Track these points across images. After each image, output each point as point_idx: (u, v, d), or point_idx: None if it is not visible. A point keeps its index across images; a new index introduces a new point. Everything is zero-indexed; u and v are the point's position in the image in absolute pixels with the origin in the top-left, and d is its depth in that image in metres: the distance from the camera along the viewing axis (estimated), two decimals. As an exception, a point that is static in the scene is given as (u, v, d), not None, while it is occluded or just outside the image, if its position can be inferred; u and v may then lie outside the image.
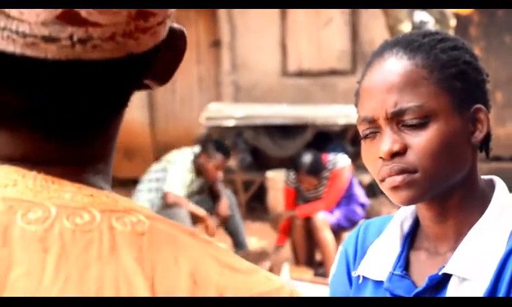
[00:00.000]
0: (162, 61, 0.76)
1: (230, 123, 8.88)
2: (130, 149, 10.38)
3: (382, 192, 1.33)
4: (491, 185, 1.37)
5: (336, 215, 6.39)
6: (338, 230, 6.39)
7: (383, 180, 1.30)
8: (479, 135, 1.33)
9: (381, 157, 1.29)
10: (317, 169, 6.38)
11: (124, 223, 0.69)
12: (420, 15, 6.85)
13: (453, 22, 7.10)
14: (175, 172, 6.39)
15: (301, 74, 10.60)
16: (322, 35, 10.50)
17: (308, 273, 6.18)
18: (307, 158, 6.39)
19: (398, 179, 1.28)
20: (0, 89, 0.70)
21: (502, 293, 1.25)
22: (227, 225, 6.77)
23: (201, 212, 6.38)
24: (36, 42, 0.68)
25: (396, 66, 1.30)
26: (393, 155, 1.28)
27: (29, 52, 0.69)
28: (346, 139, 8.52)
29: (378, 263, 1.40)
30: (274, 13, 10.47)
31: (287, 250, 6.74)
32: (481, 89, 1.34)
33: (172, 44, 0.77)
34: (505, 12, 9.41)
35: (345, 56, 10.44)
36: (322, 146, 7.63)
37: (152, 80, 0.77)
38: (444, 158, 1.28)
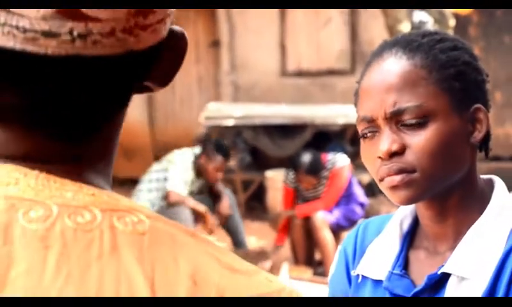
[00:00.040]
0: (162, 62, 0.76)
1: (229, 122, 8.88)
2: (130, 149, 10.37)
3: (381, 192, 1.33)
4: (490, 185, 1.37)
5: (336, 215, 6.39)
6: (337, 229, 6.39)
7: (381, 180, 1.30)
8: (478, 135, 1.33)
9: (379, 157, 1.29)
10: (316, 168, 6.38)
11: (125, 223, 0.69)
12: (419, 15, 6.85)
13: (452, 22, 7.10)
14: (176, 171, 6.39)
15: (300, 74, 10.60)
16: (321, 35, 10.49)
17: (308, 272, 6.18)
18: (306, 157, 6.40)
19: (397, 179, 1.28)
20: (0, 87, 0.71)
21: (500, 292, 1.25)
22: (227, 224, 6.77)
23: (201, 208, 6.38)
24: (37, 37, 0.68)
25: (395, 66, 1.30)
26: (392, 155, 1.28)
27: (30, 48, 0.69)
28: (345, 138, 8.53)
29: (377, 263, 1.40)
30: (273, 13, 10.47)
31: (286, 249, 6.74)
32: (481, 89, 1.34)
33: (173, 45, 0.77)
34: (504, 12, 9.41)
35: (345, 56, 10.43)
36: (321, 146, 7.63)
37: (152, 81, 0.77)
38: (442, 158, 1.28)
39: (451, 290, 1.29)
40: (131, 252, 0.67)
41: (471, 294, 1.26)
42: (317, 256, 6.59)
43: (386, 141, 1.29)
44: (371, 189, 7.42)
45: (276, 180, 7.87)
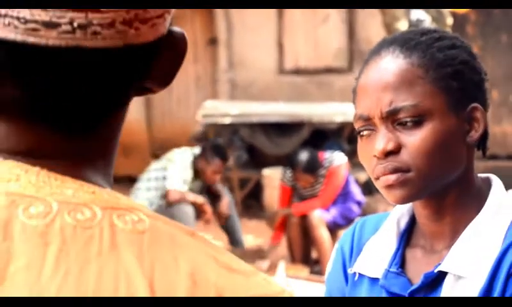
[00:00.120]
0: (162, 62, 0.76)
1: (227, 120, 8.88)
2: (127, 146, 10.37)
3: (378, 190, 1.33)
4: (487, 183, 1.37)
5: (333, 213, 6.39)
6: (334, 228, 6.40)
7: (377, 178, 1.30)
8: (474, 135, 1.33)
9: (375, 156, 1.29)
10: (313, 167, 6.38)
11: (125, 221, 0.69)
12: (417, 13, 6.85)
13: (450, 21, 7.11)
14: (175, 170, 6.40)
15: (297, 72, 10.59)
16: (318, 33, 10.49)
17: (304, 271, 6.19)
18: (304, 156, 6.40)
19: (392, 178, 1.28)
20: (2, 79, 0.71)
21: (497, 291, 1.25)
22: (224, 223, 6.78)
23: (199, 199, 6.40)
24: (37, 28, 0.69)
25: (392, 64, 1.30)
26: (388, 154, 1.28)
27: (31, 39, 0.69)
28: (343, 137, 8.53)
29: (374, 260, 1.40)
30: (270, 11, 10.47)
31: (283, 248, 6.74)
32: (478, 88, 1.34)
33: (172, 45, 0.77)
34: (501, 11, 9.42)
35: (342, 54, 10.43)
36: (318, 144, 7.63)
37: (153, 81, 0.77)
38: (438, 158, 1.28)
39: (448, 289, 1.29)
40: (130, 250, 0.67)
41: (467, 293, 1.27)
42: (314, 254, 6.59)
43: (382, 140, 1.29)
44: (368, 187, 7.42)
45: (273, 178, 7.88)
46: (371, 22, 9.60)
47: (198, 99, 10.48)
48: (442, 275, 1.30)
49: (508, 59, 9.49)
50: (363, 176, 7.61)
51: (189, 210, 6.27)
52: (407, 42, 1.31)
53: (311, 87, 10.40)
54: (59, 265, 0.65)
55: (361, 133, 1.33)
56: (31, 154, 0.72)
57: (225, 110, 9.03)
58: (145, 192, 6.44)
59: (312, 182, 6.43)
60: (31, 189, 0.69)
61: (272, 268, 5.95)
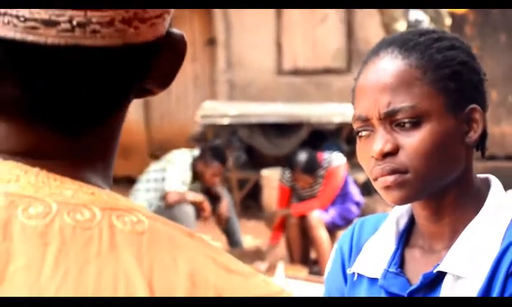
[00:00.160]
0: (162, 62, 0.76)
1: (225, 121, 8.88)
2: (125, 147, 10.36)
3: (377, 191, 1.33)
4: (486, 184, 1.37)
5: (331, 214, 6.39)
6: (333, 228, 6.40)
7: (375, 179, 1.31)
8: (473, 136, 1.33)
9: (373, 157, 1.29)
10: (312, 167, 6.39)
11: (124, 222, 0.69)
12: (416, 14, 6.86)
13: (448, 21, 7.11)
14: (175, 171, 6.40)
15: (296, 72, 10.59)
16: (317, 33, 10.49)
17: (303, 271, 6.19)
18: (302, 156, 6.40)
19: (390, 179, 1.28)
20: (1, 79, 0.71)
21: (496, 291, 1.25)
22: (224, 226, 6.79)
23: (198, 197, 6.41)
24: (36, 26, 0.69)
25: (390, 65, 1.30)
26: (385, 155, 1.28)
27: (30, 38, 0.69)
28: (341, 137, 8.53)
29: (373, 261, 1.40)
30: (269, 11, 10.47)
31: (281, 248, 6.74)
32: (477, 89, 1.34)
33: (172, 45, 0.77)
34: (500, 11, 9.42)
35: (341, 54, 10.43)
36: (317, 145, 7.64)
37: (152, 82, 0.77)
38: (436, 159, 1.28)
39: (447, 289, 1.29)
40: (130, 251, 0.67)
41: (466, 293, 1.27)
42: (313, 255, 6.59)
43: (380, 141, 1.29)
44: (367, 188, 7.42)
45: (271, 178, 7.87)
46: (369, 22, 9.61)
47: (197, 99, 10.48)
48: (441, 275, 1.30)
49: (507, 60, 9.50)
50: (361, 177, 7.61)
51: (190, 210, 6.27)
52: (406, 43, 1.31)
53: (309, 88, 10.40)
54: (58, 265, 0.65)
55: (360, 133, 1.33)
56: (30, 154, 0.72)
57: (224, 110, 9.03)
58: (144, 193, 6.44)
59: (310, 183, 6.44)
60: (30, 190, 0.69)
61: (271, 269, 5.95)
